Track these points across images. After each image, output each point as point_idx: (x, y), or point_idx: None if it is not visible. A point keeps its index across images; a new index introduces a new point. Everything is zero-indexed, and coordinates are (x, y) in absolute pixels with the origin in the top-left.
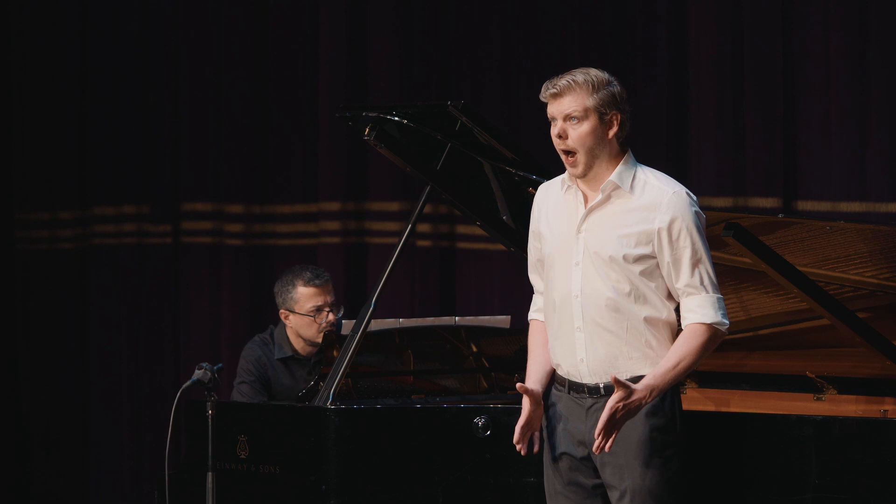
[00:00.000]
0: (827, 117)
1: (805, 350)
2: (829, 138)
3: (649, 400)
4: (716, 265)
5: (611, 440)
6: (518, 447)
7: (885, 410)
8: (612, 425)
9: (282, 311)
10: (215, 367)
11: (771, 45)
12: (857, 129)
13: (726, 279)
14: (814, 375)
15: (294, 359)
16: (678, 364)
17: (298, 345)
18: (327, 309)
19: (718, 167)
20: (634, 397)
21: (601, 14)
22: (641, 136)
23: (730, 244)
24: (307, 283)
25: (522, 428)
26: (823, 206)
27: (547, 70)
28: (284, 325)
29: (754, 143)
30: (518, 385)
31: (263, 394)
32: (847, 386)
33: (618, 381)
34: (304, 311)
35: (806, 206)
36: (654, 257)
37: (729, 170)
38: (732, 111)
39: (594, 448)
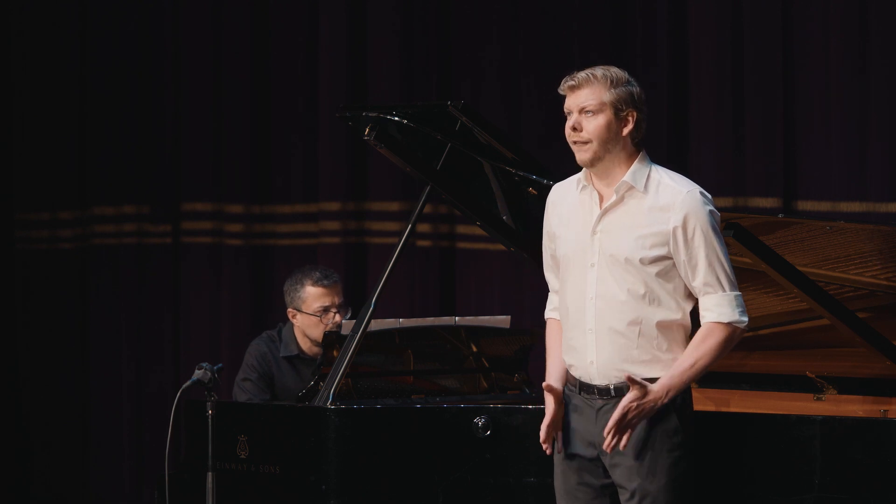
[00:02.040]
0: (827, 117)
1: (805, 350)
2: (829, 138)
3: (665, 400)
4: None
5: (624, 439)
6: (545, 447)
7: (885, 410)
8: (625, 425)
9: (289, 309)
10: (215, 367)
11: (771, 45)
12: (857, 129)
13: None
14: (814, 375)
15: (299, 358)
16: (695, 364)
17: (305, 344)
18: (334, 310)
19: (718, 167)
20: (649, 398)
21: (601, 14)
22: (643, 135)
23: (730, 244)
24: (315, 283)
25: (549, 427)
26: (823, 206)
27: (547, 70)
28: (292, 324)
29: (754, 143)
30: (544, 384)
31: (266, 391)
32: (847, 386)
33: (633, 381)
34: (310, 310)
35: (806, 206)
36: (670, 258)
37: (729, 170)
38: (732, 111)
39: (604, 446)
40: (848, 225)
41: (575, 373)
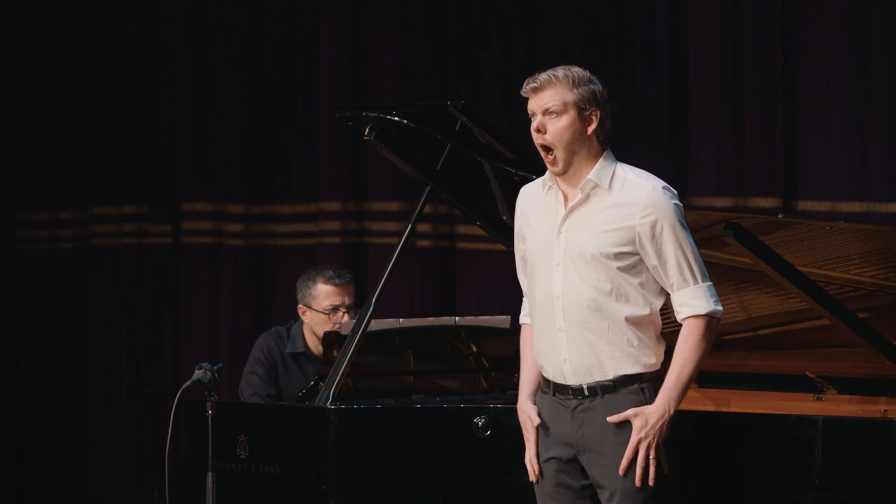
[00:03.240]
0: (827, 117)
1: (805, 350)
2: (829, 138)
3: (671, 412)
4: (716, 265)
5: (651, 470)
6: (533, 478)
7: (885, 410)
8: (646, 455)
9: (300, 305)
10: (215, 367)
11: (771, 45)
12: (857, 129)
13: (726, 279)
14: (814, 375)
15: (305, 355)
16: (684, 368)
17: (312, 342)
18: (343, 310)
19: (718, 167)
20: (654, 420)
21: (601, 14)
22: (641, 136)
23: (730, 244)
24: (327, 281)
25: (537, 457)
26: (823, 206)
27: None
28: (302, 322)
29: (754, 143)
30: (535, 424)
31: (272, 386)
32: (847, 386)
33: (626, 419)
34: (320, 307)
35: (806, 206)
36: (637, 254)
37: (729, 170)
38: (732, 111)
39: (637, 482)
40: (848, 225)
41: (548, 374)
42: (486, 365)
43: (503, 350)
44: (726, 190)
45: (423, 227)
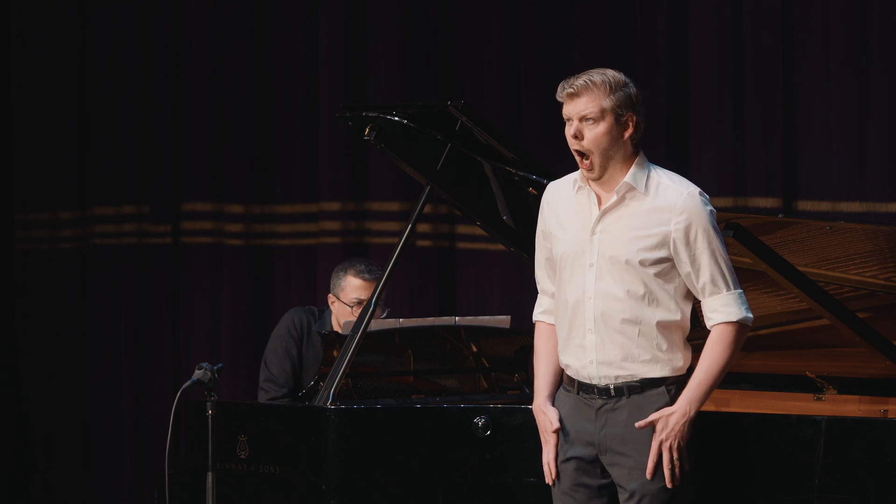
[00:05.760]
0: (827, 117)
1: (805, 350)
2: (829, 138)
3: (692, 414)
4: None
5: (676, 471)
6: (549, 481)
7: (886, 410)
8: (670, 456)
9: (330, 295)
10: (215, 367)
11: (771, 45)
12: (857, 129)
13: None
14: (814, 375)
15: None
16: (709, 370)
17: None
18: None
19: (718, 167)
20: (674, 420)
21: (601, 15)
22: (642, 136)
23: (730, 244)
24: (357, 275)
25: (555, 462)
26: (823, 206)
27: (547, 71)
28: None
29: (754, 144)
30: (555, 429)
31: (296, 360)
32: (847, 386)
33: (648, 423)
34: (346, 299)
35: (806, 206)
36: (671, 259)
37: (729, 170)
38: (732, 111)
39: (668, 482)
40: (848, 225)
41: (572, 373)
42: (486, 365)
43: (503, 350)
44: (726, 190)
45: (423, 227)
